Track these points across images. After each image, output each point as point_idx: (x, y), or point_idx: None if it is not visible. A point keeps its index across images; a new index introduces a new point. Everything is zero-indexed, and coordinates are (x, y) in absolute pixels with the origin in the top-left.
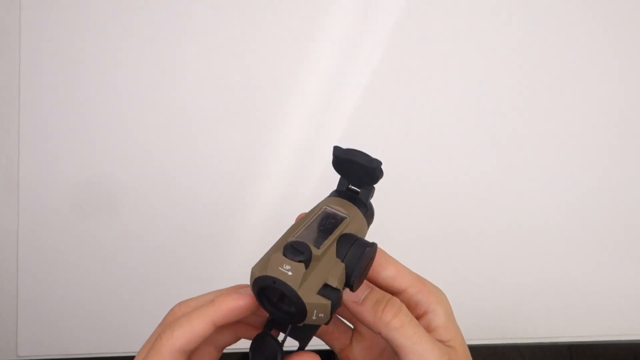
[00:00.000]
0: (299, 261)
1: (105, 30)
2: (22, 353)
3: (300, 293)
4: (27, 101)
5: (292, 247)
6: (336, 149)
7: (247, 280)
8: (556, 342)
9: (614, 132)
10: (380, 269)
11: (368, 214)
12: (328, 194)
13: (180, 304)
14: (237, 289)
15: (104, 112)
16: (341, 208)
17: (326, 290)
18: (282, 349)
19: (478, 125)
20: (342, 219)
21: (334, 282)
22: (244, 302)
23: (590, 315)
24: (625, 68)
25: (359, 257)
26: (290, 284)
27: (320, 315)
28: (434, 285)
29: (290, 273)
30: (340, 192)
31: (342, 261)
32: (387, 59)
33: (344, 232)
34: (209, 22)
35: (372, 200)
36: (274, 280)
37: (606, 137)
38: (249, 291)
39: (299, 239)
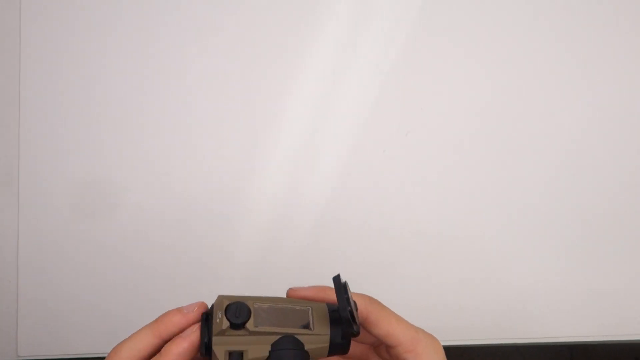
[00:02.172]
0: (229, 320)
1: (105, 29)
2: (23, 353)
3: (214, 340)
4: (27, 100)
5: (236, 307)
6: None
7: (246, 280)
8: (556, 342)
9: (615, 134)
10: (372, 327)
11: (335, 344)
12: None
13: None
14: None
15: (104, 111)
16: (316, 321)
17: (233, 356)
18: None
19: (479, 125)
20: (305, 326)
21: (240, 357)
22: (180, 315)
23: (590, 315)
24: (627, 70)
25: None
26: (213, 328)
27: None
28: (429, 340)
29: (217, 320)
30: (334, 311)
31: (269, 352)
32: (387, 58)
33: (292, 333)
34: (209, 23)
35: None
36: (210, 311)
37: (608, 139)
38: (193, 308)
39: (255, 307)
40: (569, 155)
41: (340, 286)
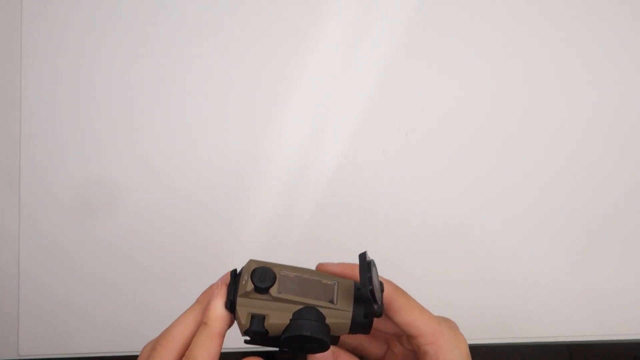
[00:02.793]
0: (254, 283)
1: (105, 29)
2: (24, 352)
3: (238, 301)
4: (28, 100)
5: (262, 271)
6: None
7: None
8: (556, 342)
9: (616, 134)
10: (394, 314)
11: (356, 322)
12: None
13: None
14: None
15: (105, 111)
16: (341, 297)
17: (254, 319)
18: None
19: (479, 125)
20: (328, 300)
21: (261, 321)
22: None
23: (589, 315)
24: (628, 70)
25: (295, 331)
26: (239, 289)
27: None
28: (452, 334)
29: (243, 282)
30: (359, 289)
31: (290, 320)
32: (387, 58)
33: (315, 305)
34: (210, 24)
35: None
36: (238, 271)
37: (608, 139)
38: (224, 278)
39: (281, 275)
40: (570, 156)
41: (364, 263)
